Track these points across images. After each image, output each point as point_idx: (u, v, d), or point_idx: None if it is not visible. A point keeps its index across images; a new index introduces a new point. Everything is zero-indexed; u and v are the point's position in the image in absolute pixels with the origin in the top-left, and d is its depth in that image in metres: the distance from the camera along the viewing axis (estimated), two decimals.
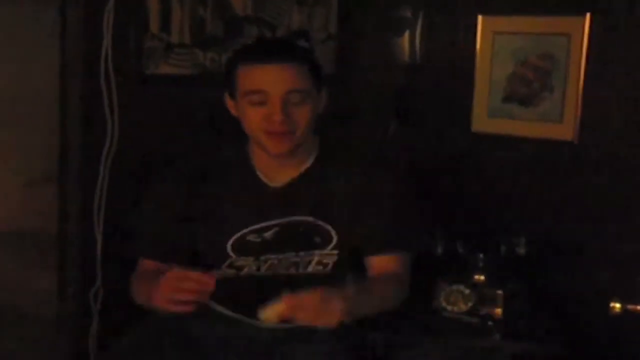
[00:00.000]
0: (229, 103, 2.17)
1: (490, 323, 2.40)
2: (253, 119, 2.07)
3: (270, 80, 2.04)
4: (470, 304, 2.42)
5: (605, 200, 2.54)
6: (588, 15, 2.49)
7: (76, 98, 2.82)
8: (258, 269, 2.20)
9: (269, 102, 2.04)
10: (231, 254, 2.18)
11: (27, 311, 2.90)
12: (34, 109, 2.80)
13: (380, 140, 2.75)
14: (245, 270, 2.20)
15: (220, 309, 2.27)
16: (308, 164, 2.19)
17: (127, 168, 2.87)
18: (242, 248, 2.18)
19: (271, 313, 1.90)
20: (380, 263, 2.20)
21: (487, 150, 2.69)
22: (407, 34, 2.69)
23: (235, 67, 2.10)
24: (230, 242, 2.17)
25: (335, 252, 2.18)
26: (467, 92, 2.67)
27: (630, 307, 2.07)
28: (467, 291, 2.42)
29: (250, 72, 2.06)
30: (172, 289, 1.90)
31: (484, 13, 2.64)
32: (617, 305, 2.07)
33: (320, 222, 2.17)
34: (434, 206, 2.69)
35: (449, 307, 2.44)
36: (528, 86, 2.61)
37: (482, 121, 2.68)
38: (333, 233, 2.17)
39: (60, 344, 2.92)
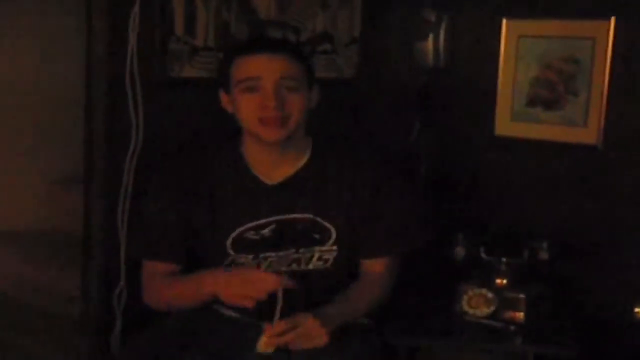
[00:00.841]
0: (224, 99, 2.23)
1: (512, 327, 2.39)
2: (247, 106, 2.12)
3: (263, 66, 2.11)
4: (492, 308, 2.41)
5: (629, 204, 2.53)
6: (613, 19, 2.49)
7: (101, 100, 2.82)
8: (258, 266, 2.22)
9: (262, 88, 2.10)
10: (230, 251, 2.21)
11: (51, 311, 2.91)
12: (60, 112, 2.82)
13: (404, 143, 2.75)
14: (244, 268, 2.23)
15: (227, 312, 2.29)
16: (302, 161, 2.22)
17: (152, 170, 2.88)
18: (241, 245, 2.21)
19: (262, 344, 2.04)
20: (369, 266, 2.27)
21: (510, 154, 2.69)
22: (431, 37, 2.69)
23: (230, 60, 2.17)
24: (229, 239, 2.21)
25: (335, 247, 2.21)
26: (490, 96, 2.67)
27: None
28: (489, 295, 2.41)
29: (244, 61, 2.14)
30: (244, 287, 2.03)
31: (508, 16, 2.64)
32: None
33: (319, 219, 2.20)
34: (457, 210, 2.70)
35: (471, 311, 2.43)
36: (552, 90, 2.60)
37: (506, 125, 2.67)
38: (332, 229, 2.20)
39: (83, 345, 2.93)
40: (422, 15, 2.71)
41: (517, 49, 2.63)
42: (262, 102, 2.09)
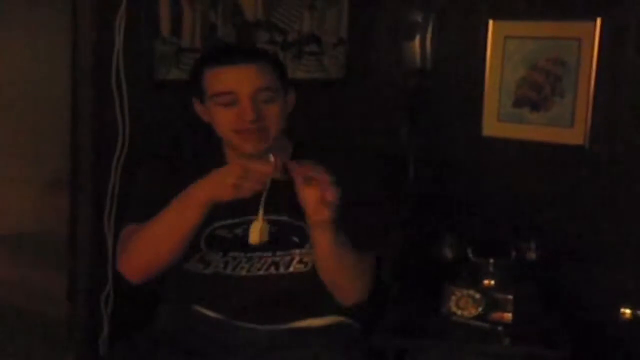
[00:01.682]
0: (199, 108, 2.20)
1: (500, 328, 2.40)
2: (224, 120, 2.10)
3: (237, 80, 2.08)
4: (480, 309, 2.41)
5: (616, 204, 2.54)
6: (599, 20, 2.49)
7: (88, 103, 2.82)
8: (225, 266, 2.20)
9: (238, 102, 2.08)
10: (202, 247, 2.20)
11: (38, 313, 2.91)
12: (46, 115, 2.82)
13: (391, 144, 2.75)
14: (212, 267, 2.21)
15: (209, 313, 2.28)
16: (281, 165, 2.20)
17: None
18: (212, 242, 2.20)
19: (254, 233, 2.01)
20: None
21: (497, 154, 2.69)
22: (417, 39, 2.70)
23: (201, 71, 2.14)
24: (204, 234, 2.18)
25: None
26: (477, 97, 2.68)
27: None
28: (477, 296, 2.42)
29: (217, 74, 2.11)
30: (238, 177, 1.95)
31: (495, 17, 2.64)
32: (628, 310, 2.07)
33: (297, 222, 2.17)
34: (444, 210, 2.70)
35: (459, 312, 2.44)
36: (539, 91, 2.61)
37: (493, 125, 2.68)
38: (310, 232, 2.16)
39: (71, 347, 2.93)
40: (409, 16, 2.71)
41: (504, 49, 2.64)
42: (239, 115, 2.07)
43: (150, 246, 2.11)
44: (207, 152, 2.27)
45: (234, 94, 2.08)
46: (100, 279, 2.92)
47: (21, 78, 2.76)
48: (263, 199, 2.00)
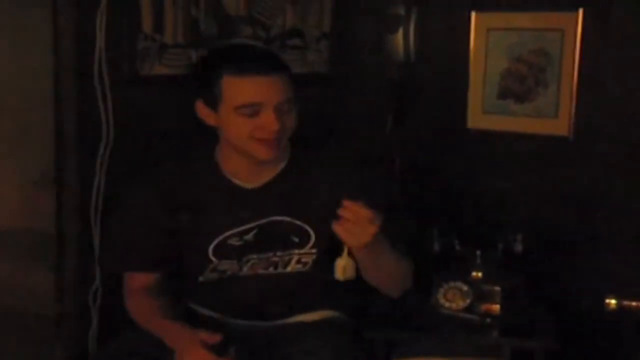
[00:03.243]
0: (205, 112, 2.13)
1: (488, 320, 2.42)
2: (244, 129, 2.06)
3: (264, 92, 2.03)
4: (468, 301, 2.44)
5: (601, 195, 2.56)
6: (581, 10, 2.50)
7: (71, 99, 2.80)
8: (240, 269, 2.22)
9: (262, 113, 2.04)
10: (213, 258, 2.20)
11: (25, 311, 2.90)
12: (29, 110, 2.79)
13: (376, 138, 2.76)
14: (229, 273, 2.22)
15: (205, 311, 2.30)
16: (282, 165, 2.19)
17: (123, 168, 2.87)
18: (224, 252, 2.20)
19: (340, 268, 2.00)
20: None
21: (482, 146, 2.70)
22: (401, 32, 2.69)
23: (219, 77, 2.06)
24: (212, 247, 2.19)
25: (314, 250, 2.19)
26: (462, 89, 2.68)
27: (625, 303, 2.08)
28: (464, 288, 2.44)
29: (241, 84, 2.04)
30: None
31: (477, 9, 2.65)
32: (613, 301, 2.09)
33: (298, 222, 2.18)
34: (431, 203, 2.71)
35: (447, 304, 2.46)
36: (522, 82, 2.62)
37: (478, 117, 2.69)
38: (311, 232, 2.18)
39: (59, 345, 2.92)
40: (391, 9, 2.71)
41: (487, 41, 2.64)
42: (263, 125, 2.03)
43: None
44: (197, 155, 2.25)
45: (259, 106, 2.04)
46: (88, 275, 2.92)
47: (3, 74, 2.72)
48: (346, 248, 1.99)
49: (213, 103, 2.09)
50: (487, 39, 2.64)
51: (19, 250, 2.87)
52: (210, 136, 2.21)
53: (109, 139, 2.82)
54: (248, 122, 2.05)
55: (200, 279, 2.24)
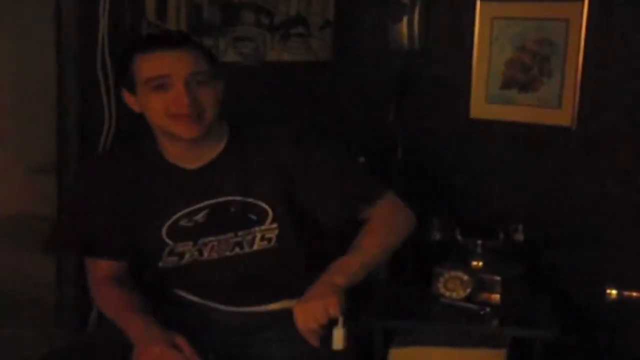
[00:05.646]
0: (129, 99, 2.16)
1: (488, 309, 2.41)
2: (158, 106, 2.06)
3: (171, 63, 2.05)
4: (468, 290, 2.42)
5: (603, 186, 2.54)
6: (586, 0, 2.48)
7: (73, 86, 2.81)
8: (200, 253, 2.21)
9: (173, 86, 2.04)
10: (168, 241, 2.20)
11: (26, 297, 2.90)
12: (32, 98, 2.80)
13: (379, 126, 2.75)
14: (187, 256, 2.22)
15: (190, 296, 2.30)
16: (221, 146, 2.18)
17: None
18: (177, 234, 2.19)
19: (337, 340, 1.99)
20: (366, 217, 2.19)
21: (485, 136, 2.69)
22: (405, 20, 2.68)
23: (131, 60, 2.09)
24: (164, 229, 2.19)
25: (275, 225, 2.18)
26: (465, 78, 2.67)
27: (625, 293, 2.07)
28: (465, 277, 2.43)
29: (150, 59, 2.06)
30: None
31: None
32: (613, 291, 2.07)
33: (250, 199, 2.16)
34: (433, 192, 2.70)
35: (447, 294, 2.44)
36: (526, 72, 2.61)
37: (481, 107, 2.68)
38: (267, 207, 2.16)
39: (59, 329, 2.93)
40: None
41: (491, 31, 2.63)
42: (174, 99, 2.04)
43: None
44: (147, 142, 2.23)
45: (168, 77, 2.04)
46: None
47: (6, 65, 2.73)
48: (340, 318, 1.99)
49: (132, 87, 2.12)
50: (491, 28, 2.63)
51: (21, 237, 2.88)
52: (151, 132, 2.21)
53: (110, 127, 2.82)
54: (160, 97, 2.05)
55: (160, 264, 2.23)
